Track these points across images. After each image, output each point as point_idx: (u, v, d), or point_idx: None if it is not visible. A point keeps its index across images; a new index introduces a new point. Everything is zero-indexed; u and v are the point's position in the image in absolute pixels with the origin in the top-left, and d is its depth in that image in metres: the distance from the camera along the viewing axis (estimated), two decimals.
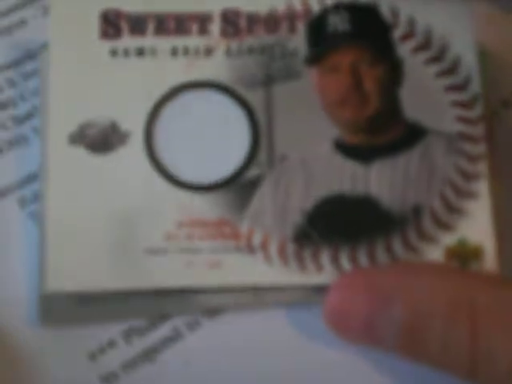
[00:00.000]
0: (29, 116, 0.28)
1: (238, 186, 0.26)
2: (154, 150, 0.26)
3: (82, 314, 0.25)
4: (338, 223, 0.26)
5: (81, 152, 0.26)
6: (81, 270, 0.25)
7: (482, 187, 0.26)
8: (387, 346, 0.24)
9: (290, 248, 0.25)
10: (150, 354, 0.26)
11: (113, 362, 0.25)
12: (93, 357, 0.25)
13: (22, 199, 0.27)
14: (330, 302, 0.24)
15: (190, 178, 0.26)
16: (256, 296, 0.26)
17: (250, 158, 0.26)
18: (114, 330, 0.26)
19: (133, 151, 0.26)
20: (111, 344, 0.26)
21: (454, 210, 0.26)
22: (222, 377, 0.25)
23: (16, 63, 0.29)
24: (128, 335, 0.26)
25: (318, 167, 0.26)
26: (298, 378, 0.25)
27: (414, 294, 0.23)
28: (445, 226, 0.26)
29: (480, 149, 0.26)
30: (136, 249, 0.25)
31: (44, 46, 0.27)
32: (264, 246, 0.25)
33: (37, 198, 0.27)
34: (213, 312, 0.26)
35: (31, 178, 0.27)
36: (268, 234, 0.25)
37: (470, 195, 0.26)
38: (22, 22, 0.29)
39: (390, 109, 0.27)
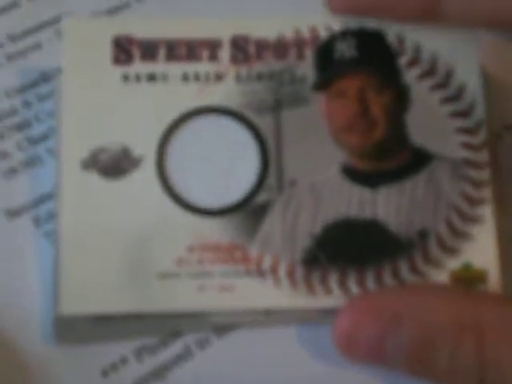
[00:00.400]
0: (43, 137, 0.29)
1: (248, 211, 0.26)
2: (166, 174, 0.26)
3: (96, 333, 0.26)
4: (346, 247, 0.26)
5: (94, 177, 0.26)
6: (94, 293, 0.25)
7: (487, 212, 0.27)
8: (396, 366, 0.24)
9: (299, 271, 0.26)
10: (160, 372, 0.26)
11: (125, 379, 0.26)
12: (105, 374, 0.26)
13: (37, 218, 0.28)
14: (338, 326, 0.25)
15: (201, 203, 0.26)
16: (266, 316, 0.26)
17: (260, 182, 0.27)
18: (126, 347, 0.26)
19: (145, 176, 0.26)
20: (123, 361, 0.26)
21: (459, 234, 0.26)
22: None
23: (31, 85, 0.29)
24: (139, 353, 0.26)
25: (326, 192, 0.27)
26: None
27: (421, 315, 0.24)
28: (450, 251, 0.26)
29: (484, 174, 0.27)
30: (148, 273, 0.26)
31: (59, 70, 0.28)
32: (274, 270, 0.26)
33: (51, 217, 0.27)
34: (222, 330, 0.27)
35: (46, 197, 0.28)
36: (277, 257, 0.26)
37: (475, 220, 0.27)
38: (37, 46, 0.30)
39: (397, 135, 0.27)
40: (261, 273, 0.26)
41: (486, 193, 0.27)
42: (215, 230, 0.26)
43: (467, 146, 0.27)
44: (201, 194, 0.26)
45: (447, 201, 0.27)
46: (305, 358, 0.26)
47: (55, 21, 0.30)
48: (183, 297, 0.26)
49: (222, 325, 0.26)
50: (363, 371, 0.26)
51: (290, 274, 0.26)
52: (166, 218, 0.26)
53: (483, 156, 0.27)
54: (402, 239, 0.26)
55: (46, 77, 0.29)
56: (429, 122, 0.27)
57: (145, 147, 0.27)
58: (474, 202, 0.27)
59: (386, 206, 0.27)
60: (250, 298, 0.26)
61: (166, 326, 0.26)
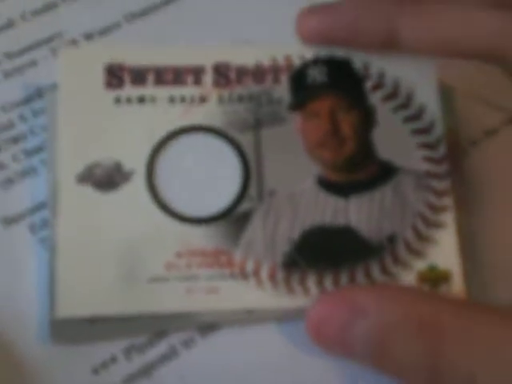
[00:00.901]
0: (38, 150, 0.30)
1: (232, 219, 0.29)
2: (155, 187, 0.29)
3: (90, 333, 0.28)
4: (322, 251, 0.29)
5: (88, 190, 0.28)
6: (89, 297, 0.27)
7: (449, 218, 0.29)
8: (360, 358, 0.26)
9: (280, 274, 0.28)
10: (148, 370, 0.28)
11: (114, 376, 0.27)
12: (96, 372, 0.27)
13: (33, 225, 0.29)
14: (310, 315, 0.26)
15: (188, 212, 0.29)
16: (249, 314, 0.28)
17: (242, 193, 0.29)
18: (116, 346, 0.28)
19: (135, 189, 0.28)
20: (113, 360, 0.28)
21: (424, 238, 0.29)
22: None
23: (27, 101, 0.31)
24: (128, 352, 0.28)
25: (303, 201, 0.29)
26: None
27: (385, 310, 0.25)
28: (416, 253, 0.29)
29: (445, 184, 0.30)
30: (140, 278, 0.27)
31: (52, 86, 0.30)
32: (256, 273, 0.28)
33: (46, 224, 0.29)
34: (206, 330, 0.28)
35: (40, 206, 0.29)
36: (259, 261, 0.28)
37: (438, 225, 0.29)
38: (33, 63, 0.32)
39: (365, 150, 0.30)
40: (244, 276, 0.28)
41: (448, 201, 0.29)
42: (201, 237, 0.28)
43: (429, 159, 0.30)
44: (187, 204, 0.29)
45: (413, 209, 0.29)
46: (285, 354, 0.28)
47: (50, 40, 0.33)
48: (172, 299, 0.27)
49: (208, 324, 0.28)
50: (341, 364, 0.28)
51: (272, 277, 0.28)
52: (156, 227, 0.28)
53: (444, 168, 0.30)
54: (373, 243, 0.29)
55: (41, 92, 0.31)
56: (393, 139, 0.30)
57: (135, 162, 0.29)
58: (436, 209, 0.29)
59: (358, 213, 0.29)
60: (235, 299, 0.28)
61: (156, 326, 0.28)
